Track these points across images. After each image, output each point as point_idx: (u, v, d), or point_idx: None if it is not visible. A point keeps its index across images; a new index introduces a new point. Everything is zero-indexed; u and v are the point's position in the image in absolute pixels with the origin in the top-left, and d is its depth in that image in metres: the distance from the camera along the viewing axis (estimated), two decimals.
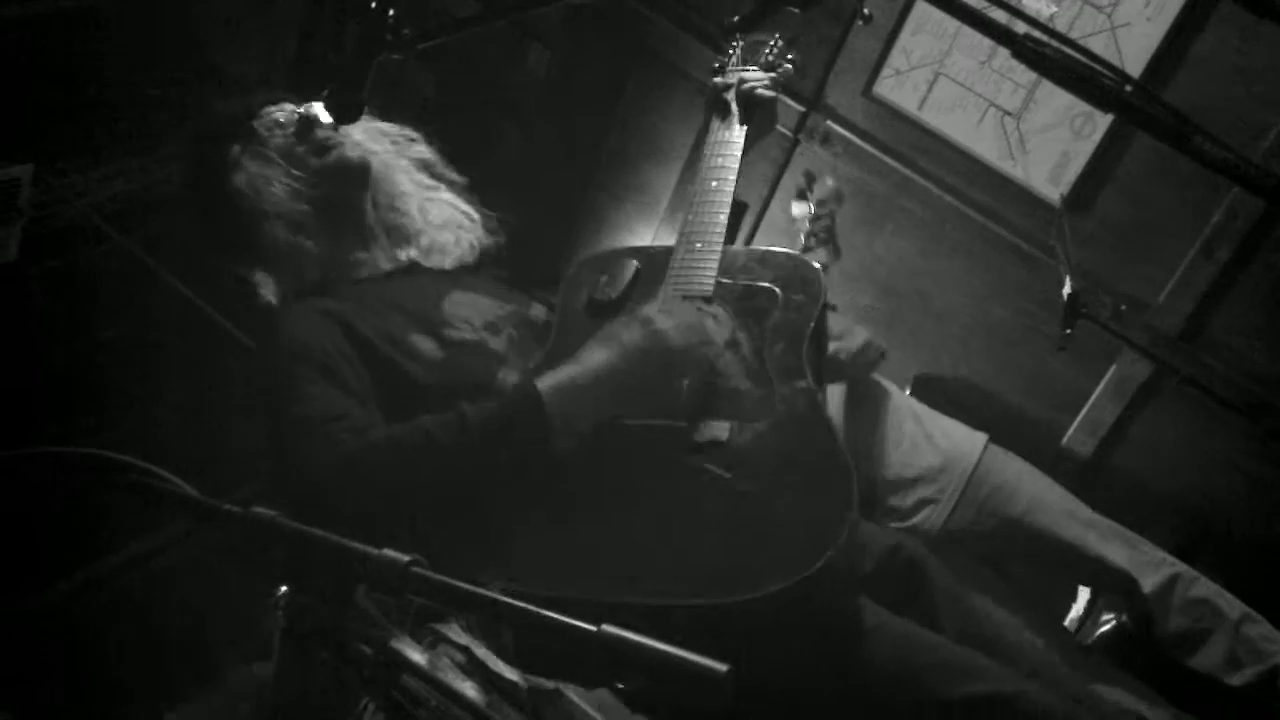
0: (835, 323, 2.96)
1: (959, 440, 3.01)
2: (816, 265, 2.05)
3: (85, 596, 2.56)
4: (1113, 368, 3.21)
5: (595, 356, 1.76)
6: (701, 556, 1.60)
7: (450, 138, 2.48)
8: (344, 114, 1.94)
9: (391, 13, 1.91)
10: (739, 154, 2.22)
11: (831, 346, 2.81)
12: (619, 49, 3.80)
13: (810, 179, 2.92)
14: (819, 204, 2.87)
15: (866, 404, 3.03)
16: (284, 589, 1.00)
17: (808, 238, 2.83)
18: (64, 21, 3.03)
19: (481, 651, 1.81)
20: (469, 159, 2.47)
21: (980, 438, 3.02)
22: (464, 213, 2.37)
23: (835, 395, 2.98)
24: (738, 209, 2.33)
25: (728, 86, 2.33)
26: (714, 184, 2.15)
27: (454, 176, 2.40)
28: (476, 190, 2.44)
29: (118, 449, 1.12)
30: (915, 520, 2.89)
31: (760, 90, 2.29)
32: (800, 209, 2.90)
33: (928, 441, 2.99)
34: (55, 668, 2.36)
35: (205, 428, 2.92)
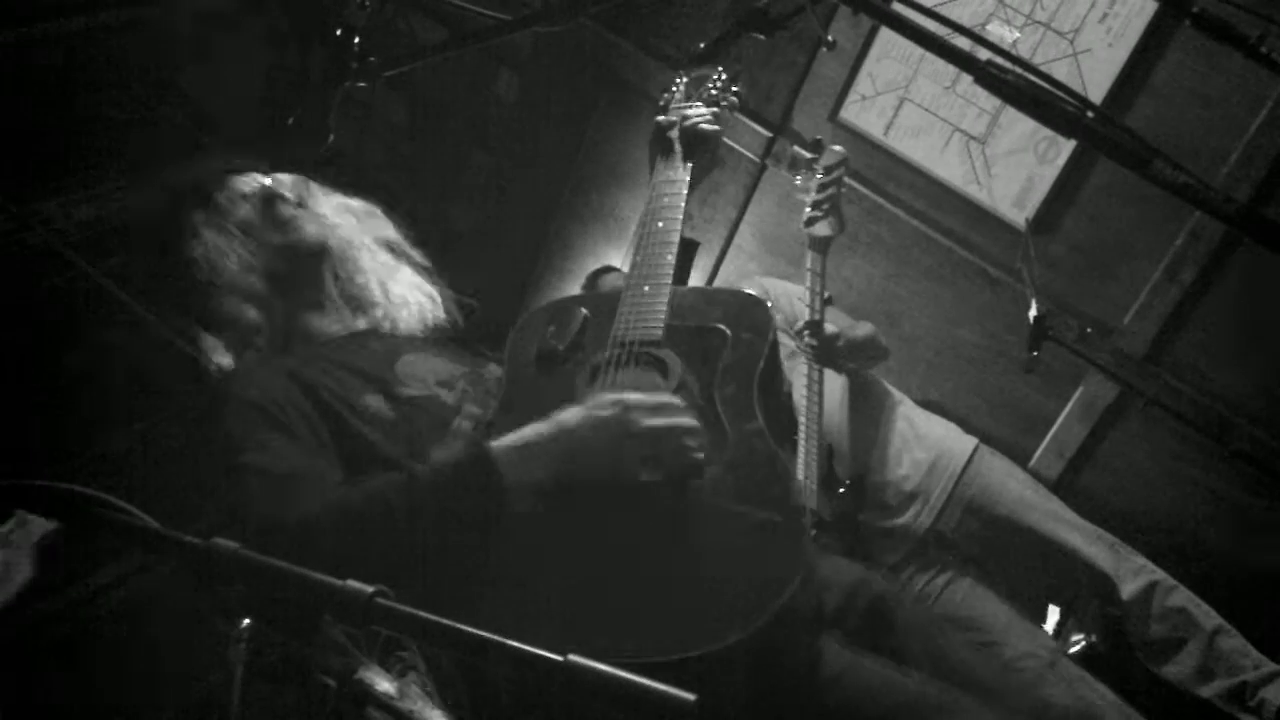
0: (839, 318, 2.98)
1: (950, 441, 3.04)
2: (768, 303, 2.03)
3: (45, 629, 2.52)
4: (1079, 390, 3.24)
5: (554, 420, 1.74)
6: (658, 610, 1.57)
7: (421, 162, 2.47)
8: (309, 142, 1.93)
9: (357, 40, 1.91)
10: (685, 192, 2.18)
11: (834, 330, 2.83)
12: (587, 75, 3.82)
13: (819, 147, 2.93)
14: (826, 170, 2.88)
15: (866, 400, 3.05)
16: (246, 622, 0.99)
17: (814, 208, 2.85)
18: (29, 48, 3.01)
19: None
20: (438, 183, 2.46)
21: (970, 440, 3.06)
22: (425, 293, 2.36)
23: (836, 388, 2.99)
24: (689, 248, 2.30)
25: (671, 124, 2.31)
26: (660, 224, 2.11)
27: (417, 257, 2.40)
28: (446, 211, 2.43)
29: (80, 479, 1.11)
30: (904, 518, 2.91)
31: (703, 126, 2.28)
32: (805, 182, 2.92)
33: (920, 441, 3.02)
34: (11, 702, 2.32)
35: (170, 458, 2.89)
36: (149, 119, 3.38)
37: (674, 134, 2.29)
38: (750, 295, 2.04)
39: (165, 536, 1.04)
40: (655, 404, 1.74)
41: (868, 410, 3.05)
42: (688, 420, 1.75)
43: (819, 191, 2.88)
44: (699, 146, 2.27)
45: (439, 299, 2.36)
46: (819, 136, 3.04)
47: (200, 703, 2.36)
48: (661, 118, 2.34)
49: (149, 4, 3.34)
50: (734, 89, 2.37)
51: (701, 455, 1.74)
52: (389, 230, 2.36)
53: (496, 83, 3.91)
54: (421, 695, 1.76)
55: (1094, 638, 2.97)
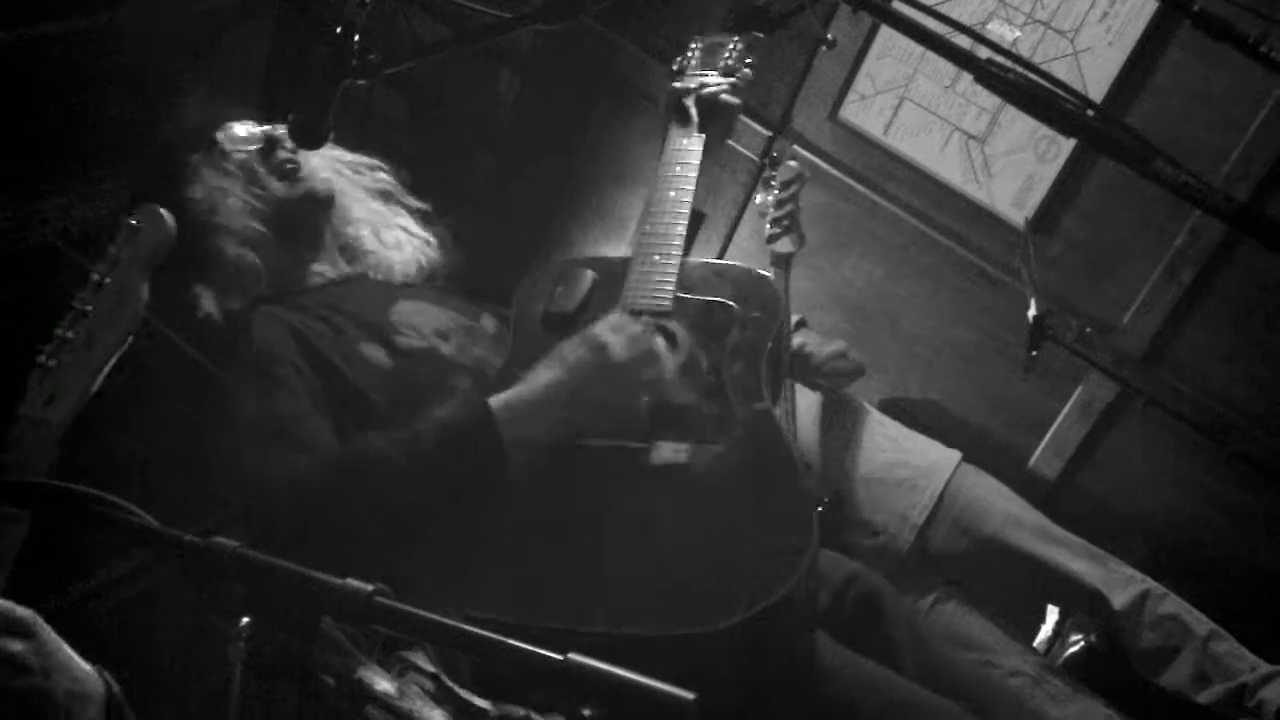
0: (810, 337, 2.96)
1: (932, 458, 3.02)
2: (776, 283, 2.03)
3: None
4: (1078, 389, 3.23)
5: (543, 374, 1.75)
6: (660, 584, 1.57)
7: (420, 162, 2.47)
8: (308, 139, 1.93)
9: (358, 38, 1.90)
10: (697, 162, 2.16)
11: (806, 345, 2.81)
12: (587, 74, 3.81)
13: (774, 163, 2.91)
14: (783, 186, 2.85)
15: (842, 417, 3.03)
16: (246, 620, 0.99)
17: (773, 225, 2.82)
18: (27, 47, 3.01)
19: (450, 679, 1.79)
20: (438, 183, 2.47)
21: (953, 456, 3.04)
22: (420, 238, 2.36)
23: (810, 405, 2.98)
24: (694, 219, 2.28)
25: (687, 92, 2.29)
26: (672, 194, 2.09)
27: (412, 202, 2.39)
28: (443, 213, 2.43)
29: (79, 479, 1.11)
30: (885, 537, 2.89)
31: (723, 97, 2.25)
32: (765, 198, 2.90)
33: (900, 458, 3.00)
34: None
35: (171, 458, 2.89)
36: (149, 119, 3.37)
37: (690, 101, 2.26)
38: (761, 273, 2.04)
39: (164, 535, 1.04)
40: (615, 324, 1.75)
41: (844, 427, 3.02)
42: (655, 340, 1.76)
43: (777, 208, 2.85)
44: (716, 117, 2.25)
45: (434, 244, 2.36)
46: (775, 153, 3.01)
47: (200, 703, 2.36)
48: (677, 84, 2.30)
49: (149, 4, 3.34)
50: (748, 59, 2.35)
51: (670, 361, 1.76)
52: (382, 179, 2.35)
53: (497, 82, 3.90)
54: (420, 695, 1.76)
55: (1092, 638, 2.96)
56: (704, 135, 2.21)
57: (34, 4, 3.03)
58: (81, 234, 3.12)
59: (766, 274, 2.03)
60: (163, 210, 1.54)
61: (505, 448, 1.67)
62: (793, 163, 2.87)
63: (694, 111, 2.24)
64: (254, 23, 3.67)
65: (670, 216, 2.06)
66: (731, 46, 2.34)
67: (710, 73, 2.30)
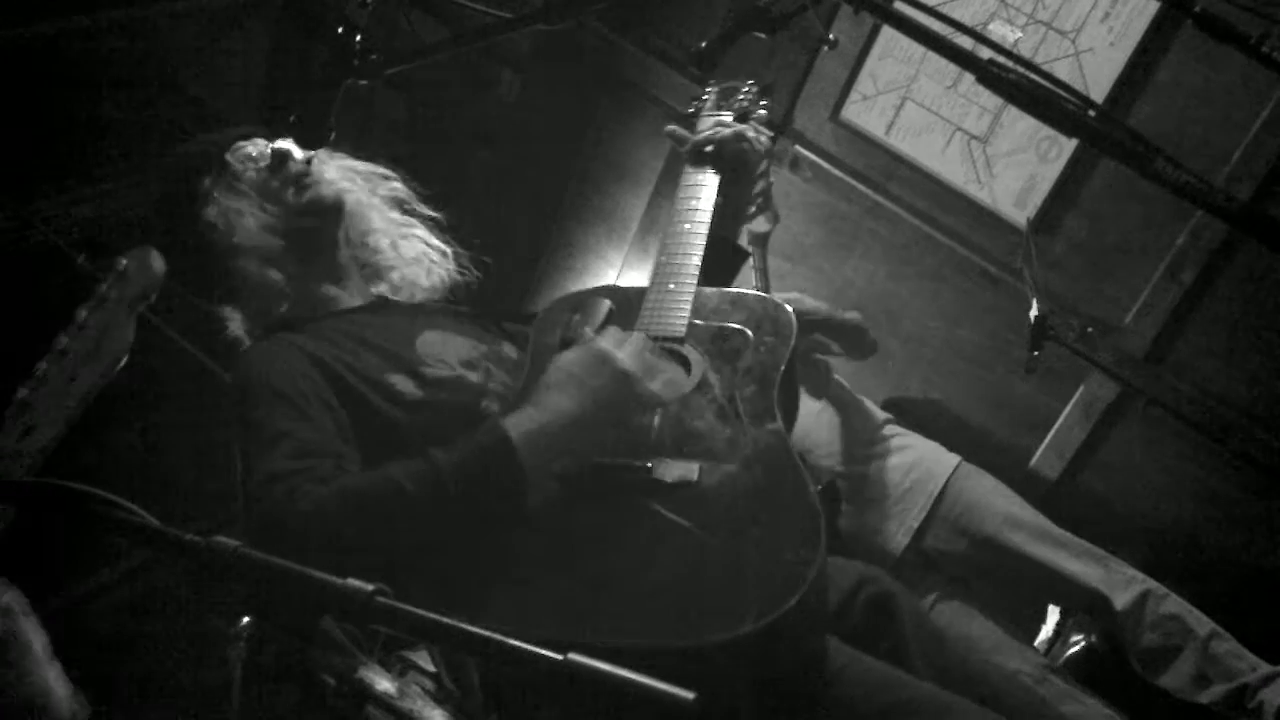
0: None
1: (930, 460, 3.02)
2: (789, 309, 2.04)
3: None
4: (1080, 389, 3.23)
5: (558, 400, 1.75)
6: (670, 597, 1.58)
7: (422, 162, 2.47)
8: (311, 139, 1.93)
9: (359, 38, 1.90)
10: (712, 196, 2.21)
11: (810, 301, 2.81)
12: (588, 75, 3.81)
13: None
14: None
15: (841, 419, 3.03)
16: (247, 620, 0.99)
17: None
18: (27, 47, 3.01)
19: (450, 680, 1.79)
20: (439, 182, 2.46)
21: (952, 458, 3.03)
22: (436, 249, 2.36)
23: (810, 408, 2.98)
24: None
25: (696, 131, 2.34)
26: (686, 226, 2.15)
27: (427, 212, 2.39)
28: (448, 212, 2.43)
29: (81, 478, 1.11)
30: (880, 537, 2.90)
31: (734, 145, 2.30)
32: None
33: (898, 460, 3.00)
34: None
35: (173, 457, 2.89)
36: (149, 119, 3.38)
37: (703, 145, 2.31)
38: (774, 300, 2.06)
39: (165, 535, 1.04)
40: (622, 343, 1.77)
41: (844, 429, 3.02)
42: (667, 361, 1.77)
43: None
44: (730, 161, 2.30)
45: (450, 254, 2.36)
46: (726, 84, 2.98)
47: (200, 702, 2.37)
48: (679, 127, 2.35)
49: (149, 4, 3.35)
50: (764, 101, 2.39)
51: (684, 381, 1.79)
52: (396, 188, 2.35)
53: (498, 82, 3.91)
54: (421, 694, 1.76)
55: (1093, 638, 2.96)
56: (719, 177, 2.26)
57: (34, 4, 3.03)
58: (82, 234, 3.12)
59: (781, 301, 2.05)
60: (154, 253, 1.54)
61: (527, 479, 1.67)
62: (761, 138, 2.85)
63: (708, 154, 2.29)
64: (254, 23, 3.67)
65: (685, 248, 2.11)
66: (746, 89, 2.38)
67: (725, 113, 2.35)
